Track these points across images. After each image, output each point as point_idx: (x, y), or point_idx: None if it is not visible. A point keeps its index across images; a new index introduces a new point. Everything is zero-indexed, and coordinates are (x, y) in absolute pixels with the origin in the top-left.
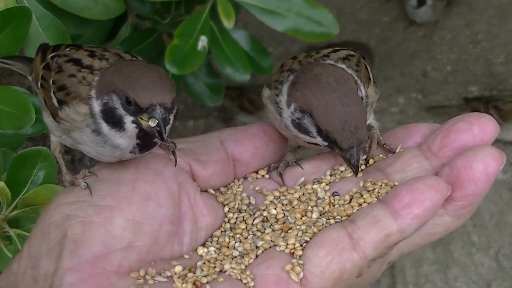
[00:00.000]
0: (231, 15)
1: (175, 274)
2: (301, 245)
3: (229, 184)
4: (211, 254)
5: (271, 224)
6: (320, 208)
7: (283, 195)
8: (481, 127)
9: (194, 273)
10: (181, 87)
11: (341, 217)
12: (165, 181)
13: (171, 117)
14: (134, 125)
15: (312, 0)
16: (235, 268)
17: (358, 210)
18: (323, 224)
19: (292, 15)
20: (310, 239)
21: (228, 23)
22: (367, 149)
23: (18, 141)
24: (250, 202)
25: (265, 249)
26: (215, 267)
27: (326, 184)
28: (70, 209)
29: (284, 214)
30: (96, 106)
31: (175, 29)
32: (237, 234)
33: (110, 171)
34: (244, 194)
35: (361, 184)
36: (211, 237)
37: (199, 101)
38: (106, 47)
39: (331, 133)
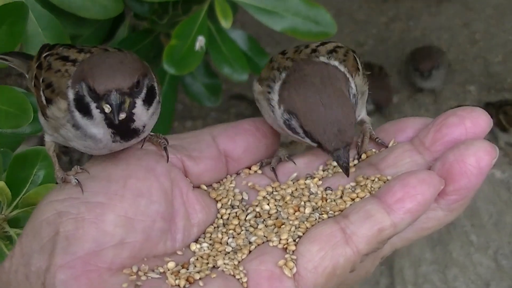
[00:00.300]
0: (228, 15)
1: (168, 270)
2: (294, 241)
3: (222, 180)
4: (204, 250)
5: (264, 220)
6: (313, 203)
7: (276, 191)
8: (473, 120)
9: (187, 269)
10: (179, 88)
11: (334, 212)
12: (157, 178)
13: (138, 101)
14: (98, 110)
15: (310, 0)
16: (228, 264)
17: (351, 205)
18: (316, 219)
19: (290, 14)
20: (303, 234)
21: (225, 23)
22: (359, 143)
23: (17, 140)
24: (242, 198)
25: (258, 245)
26: (208, 263)
27: (319, 179)
28: (62, 206)
29: (277, 210)
30: (71, 96)
31: (172, 30)
32: (230, 230)
33: (102, 168)
34: (236, 190)
35: (354, 179)
36: (204, 233)
37: (197, 101)
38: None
39: (314, 135)
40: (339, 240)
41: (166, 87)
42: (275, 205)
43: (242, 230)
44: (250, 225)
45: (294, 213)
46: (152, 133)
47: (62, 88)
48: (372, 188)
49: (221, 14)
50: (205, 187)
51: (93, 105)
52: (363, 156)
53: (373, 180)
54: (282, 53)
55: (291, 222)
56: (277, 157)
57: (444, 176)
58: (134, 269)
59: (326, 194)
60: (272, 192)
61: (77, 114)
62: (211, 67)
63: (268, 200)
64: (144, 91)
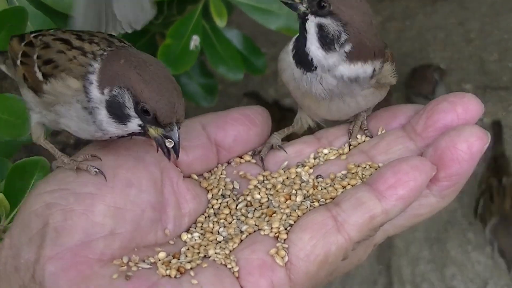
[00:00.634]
0: (223, 14)
1: (159, 260)
2: (286, 229)
3: (213, 170)
4: (195, 239)
5: (255, 209)
6: (304, 192)
7: (267, 179)
8: (464, 106)
9: (178, 259)
10: None
11: (326, 200)
12: (147, 167)
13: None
14: (139, 128)
15: None
16: (219, 253)
17: (342, 192)
18: (307, 207)
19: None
20: (295, 222)
21: (220, 22)
22: (350, 131)
23: (13, 148)
24: (234, 187)
25: (250, 234)
26: (199, 252)
27: (310, 168)
28: (50, 197)
29: (268, 198)
30: (97, 93)
31: (167, 30)
32: (221, 219)
33: (98, 156)
34: (227, 179)
35: (345, 166)
36: (195, 223)
37: (193, 101)
38: (92, 32)
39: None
40: (330, 228)
41: None
42: (266, 194)
43: (233, 220)
44: (242, 214)
45: (285, 202)
46: None
47: (73, 70)
48: (364, 176)
49: (215, 13)
50: (195, 177)
51: (135, 121)
52: (354, 143)
53: (364, 168)
54: None
55: (282, 210)
56: (268, 144)
57: (436, 162)
58: (125, 259)
59: (317, 182)
60: (263, 181)
61: (104, 113)
62: (207, 67)
63: (259, 189)
64: None
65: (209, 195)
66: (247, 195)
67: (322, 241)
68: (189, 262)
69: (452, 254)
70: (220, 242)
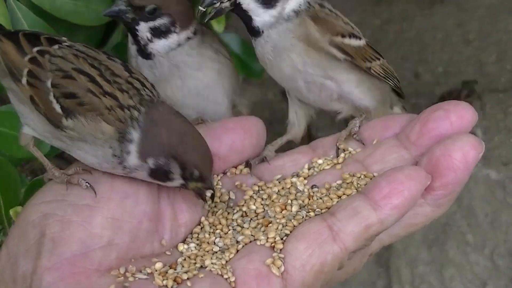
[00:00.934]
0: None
1: (156, 271)
2: (282, 239)
3: None
4: (191, 250)
5: (251, 219)
6: (300, 201)
7: (262, 190)
8: (458, 114)
9: (175, 270)
10: None
11: (321, 209)
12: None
13: None
14: (180, 185)
15: None
16: (215, 264)
17: (337, 202)
18: (303, 217)
19: None
20: (291, 232)
21: (218, 27)
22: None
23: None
24: (229, 198)
25: (246, 244)
26: (195, 263)
27: (305, 178)
28: (48, 208)
29: (264, 209)
30: (137, 161)
31: None
32: (217, 229)
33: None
34: (223, 190)
35: (340, 176)
36: (191, 233)
37: None
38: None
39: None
40: (326, 238)
41: None
42: (262, 204)
43: (229, 230)
44: (237, 225)
45: (281, 212)
46: None
47: (109, 118)
48: (359, 185)
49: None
50: None
51: (178, 181)
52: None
53: (359, 177)
54: None
55: (278, 220)
56: (261, 156)
57: (431, 171)
58: (122, 270)
59: (313, 192)
60: (259, 191)
61: (144, 174)
62: None
63: (255, 199)
64: None
65: (205, 206)
66: (243, 205)
67: (318, 250)
68: (186, 272)
69: (451, 255)
70: (216, 252)
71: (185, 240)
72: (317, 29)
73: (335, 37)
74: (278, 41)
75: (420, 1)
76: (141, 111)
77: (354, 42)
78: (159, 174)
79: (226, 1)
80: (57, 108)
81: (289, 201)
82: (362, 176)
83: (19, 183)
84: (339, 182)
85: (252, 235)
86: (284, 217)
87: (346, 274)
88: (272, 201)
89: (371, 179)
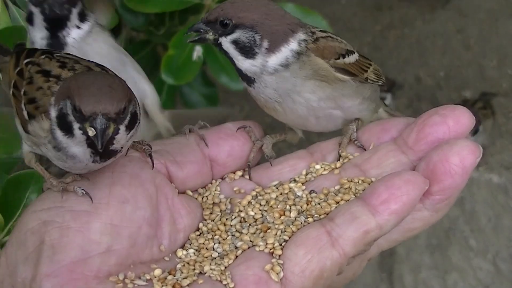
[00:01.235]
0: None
1: (155, 277)
2: (281, 245)
3: (207, 185)
4: (190, 256)
5: (250, 225)
6: (298, 207)
7: (260, 195)
8: (455, 119)
9: (174, 276)
10: (177, 98)
11: (320, 215)
12: (142, 184)
13: (122, 126)
14: (80, 131)
15: (305, 7)
16: (214, 270)
17: (336, 207)
18: (301, 223)
19: None
20: (289, 238)
21: None
22: (340, 143)
23: (11, 163)
24: (228, 203)
25: (244, 250)
26: (194, 269)
27: (302, 184)
28: (46, 215)
29: (262, 214)
30: (53, 113)
31: (169, 40)
32: (216, 235)
33: (86, 176)
34: (222, 196)
35: (338, 181)
36: (190, 239)
37: None
38: (81, 59)
39: None
40: (325, 243)
41: (164, 97)
42: (260, 210)
43: (228, 236)
44: (236, 230)
45: (279, 217)
46: (136, 140)
47: (45, 106)
48: (357, 190)
49: None
50: (190, 193)
51: (75, 125)
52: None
53: (357, 182)
54: None
55: (277, 226)
56: (260, 143)
57: (429, 176)
58: (121, 276)
59: (311, 198)
60: (257, 196)
61: (59, 132)
62: (208, 76)
63: (253, 205)
64: (128, 117)
65: (204, 211)
66: (241, 211)
67: (317, 256)
68: (185, 278)
69: (454, 260)
70: (215, 258)
71: (183, 245)
72: (324, 60)
73: (336, 60)
74: (278, 85)
75: (420, 7)
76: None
77: (352, 58)
78: (63, 122)
79: (211, 35)
80: (25, 114)
81: (288, 207)
82: (360, 181)
83: None
84: (337, 187)
85: (250, 241)
86: (282, 222)
87: (345, 279)
88: (271, 206)
89: (369, 184)
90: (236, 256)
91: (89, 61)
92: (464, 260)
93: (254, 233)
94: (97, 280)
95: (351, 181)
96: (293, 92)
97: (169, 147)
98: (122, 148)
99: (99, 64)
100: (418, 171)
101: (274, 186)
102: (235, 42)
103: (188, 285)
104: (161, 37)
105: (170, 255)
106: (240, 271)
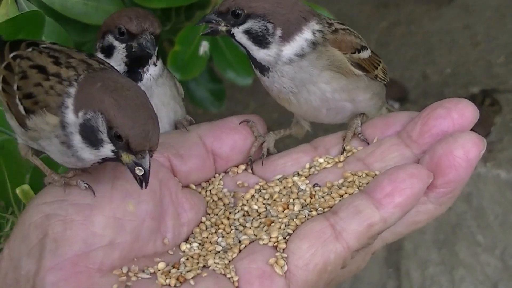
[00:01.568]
0: None
1: (158, 270)
2: (284, 238)
3: (210, 179)
4: (194, 250)
5: (253, 218)
6: (302, 201)
7: (264, 189)
8: (459, 112)
9: (178, 269)
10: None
11: (323, 208)
12: None
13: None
14: (112, 153)
15: (312, 2)
16: (218, 263)
17: (340, 201)
18: (305, 216)
19: None
20: (293, 231)
21: None
22: (344, 137)
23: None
24: (231, 197)
25: (248, 243)
26: (198, 262)
27: (306, 177)
28: (49, 208)
29: (266, 208)
30: (72, 117)
31: (176, 36)
32: (219, 229)
33: (89, 170)
34: (225, 189)
35: (342, 175)
36: (193, 233)
37: (201, 107)
38: (70, 51)
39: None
40: (329, 237)
41: None
42: (264, 204)
43: (231, 229)
44: (240, 224)
45: (283, 211)
46: None
47: (51, 105)
48: (361, 184)
49: None
50: (193, 186)
51: (108, 146)
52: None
53: (361, 176)
54: None
55: (280, 219)
56: (261, 141)
57: (433, 169)
58: (124, 269)
59: (315, 191)
60: (260, 190)
61: (78, 138)
62: (214, 72)
63: (257, 198)
64: None
65: (208, 205)
66: (245, 205)
67: (321, 250)
68: (189, 271)
69: (461, 256)
70: (219, 252)
71: (187, 239)
72: (340, 52)
73: (352, 54)
74: (294, 75)
75: (427, 4)
76: (83, 74)
77: (365, 54)
78: (89, 133)
79: (223, 26)
80: (22, 110)
81: (291, 200)
82: (364, 175)
83: (24, 162)
84: (340, 181)
85: (254, 235)
86: (286, 216)
87: (349, 272)
88: (274, 200)
89: (373, 177)
90: (240, 250)
91: (79, 51)
92: (472, 256)
93: (258, 226)
94: (100, 273)
95: (355, 174)
96: (309, 82)
97: (172, 141)
98: None
99: (92, 55)
100: (422, 164)
101: (278, 179)
102: (247, 32)
103: (192, 278)
104: (167, 33)
105: (173, 248)
106: (244, 265)
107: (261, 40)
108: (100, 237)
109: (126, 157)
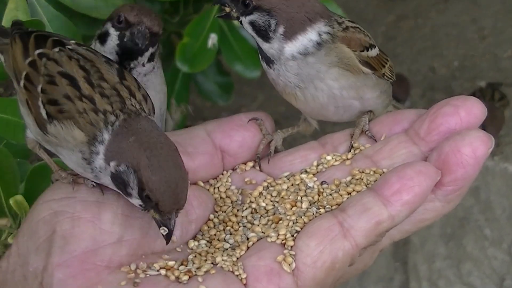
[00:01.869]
0: None
1: (167, 267)
2: (292, 236)
3: (218, 176)
4: (202, 247)
5: (261, 216)
6: (310, 198)
7: (272, 186)
8: (467, 110)
9: (186, 266)
10: (191, 87)
11: (331, 206)
12: None
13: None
14: (139, 206)
15: None
16: (226, 261)
17: (348, 198)
18: (313, 213)
19: None
20: (301, 229)
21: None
22: (352, 134)
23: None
24: (239, 194)
25: (256, 241)
26: (206, 260)
27: (314, 175)
28: (58, 205)
29: (274, 205)
30: (102, 163)
31: (184, 29)
32: (227, 226)
33: None
34: (233, 187)
35: (350, 172)
36: (201, 230)
37: (209, 100)
38: (99, 61)
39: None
40: (337, 234)
41: (179, 86)
42: (271, 201)
43: (239, 227)
44: (248, 221)
45: (291, 208)
46: None
47: (81, 124)
48: (368, 181)
49: None
50: (201, 184)
51: (135, 200)
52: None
53: (369, 173)
54: None
55: (288, 217)
56: (268, 140)
57: (440, 167)
58: (133, 266)
59: (323, 189)
60: (268, 187)
61: (107, 179)
62: (222, 65)
63: (265, 196)
64: None
65: (215, 202)
66: (253, 202)
67: (329, 247)
68: (197, 268)
69: (469, 250)
70: (227, 249)
71: (195, 237)
72: (350, 50)
73: (361, 52)
74: (300, 70)
75: None
76: (120, 117)
77: (374, 52)
78: (119, 182)
79: (234, 12)
80: (44, 113)
81: (299, 198)
82: (372, 172)
83: (17, 173)
84: (348, 178)
85: (262, 232)
86: (294, 213)
87: (356, 270)
88: (282, 197)
89: (380, 175)
90: (248, 247)
91: (107, 62)
92: (479, 249)
93: (266, 224)
94: (108, 270)
95: (363, 172)
96: (316, 78)
97: (180, 138)
98: None
99: (122, 76)
100: (429, 161)
101: (285, 177)
102: (252, 24)
103: (200, 275)
104: (175, 25)
105: (181, 246)
106: (252, 262)
107: (263, 34)
108: (108, 234)
109: (153, 213)
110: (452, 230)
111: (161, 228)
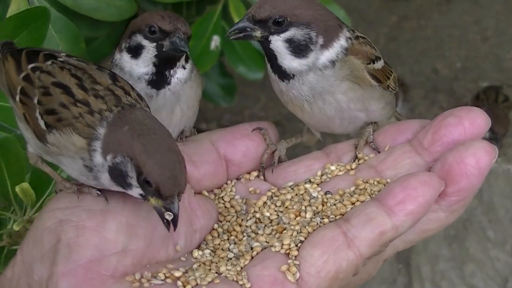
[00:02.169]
0: (242, 14)
1: (171, 277)
2: (296, 245)
3: (222, 186)
4: (206, 256)
5: (265, 225)
6: (314, 208)
7: (276, 196)
8: (471, 120)
9: (190, 276)
10: None
11: (335, 216)
12: None
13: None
14: (140, 196)
15: None
16: (230, 270)
17: (352, 208)
18: (317, 223)
19: None
20: (305, 239)
21: None
22: (356, 145)
23: None
24: (243, 204)
25: (260, 250)
26: (210, 269)
27: (318, 184)
28: (63, 214)
29: (278, 215)
30: (100, 159)
31: None
32: (231, 236)
33: None
34: (237, 196)
35: (354, 182)
36: (205, 240)
37: (212, 101)
38: (91, 68)
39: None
40: (341, 244)
41: None
42: (276, 211)
43: (243, 236)
44: (252, 231)
45: (295, 218)
46: None
47: (78, 128)
48: (372, 191)
49: (235, 14)
50: (206, 193)
51: (136, 190)
52: (360, 155)
53: (373, 183)
54: None
55: (292, 227)
56: (272, 150)
57: (444, 177)
58: (137, 276)
59: (327, 199)
60: (272, 197)
61: (106, 176)
62: (225, 67)
63: (269, 205)
64: None
65: (220, 212)
66: (257, 212)
67: (333, 257)
68: (202, 278)
69: (472, 251)
70: (231, 258)
71: (199, 246)
72: (360, 62)
73: (368, 65)
74: (316, 84)
75: None
76: (114, 111)
77: (379, 64)
78: (118, 175)
79: (259, 32)
80: (42, 124)
81: (303, 208)
82: (376, 183)
83: (24, 161)
84: (352, 188)
85: (266, 242)
86: (298, 223)
87: (360, 280)
88: (286, 207)
89: (384, 185)
90: (252, 257)
91: (99, 69)
92: (482, 251)
93: (270, 233)
94: (113, 280)
95: (367, 182)
96: (327, 92)
97: (184, 147)
98: None
99: (114, 77)
100: (433, 172)
101: (290, 186)
102: (289, 41)
103: (204, 285)
104: None
105: (186, 255)
106: (256, 272)
107: (302, 49)
108: (113, 243)
109: (154, 201)
110: (455, 232)
111: (165, 214)
